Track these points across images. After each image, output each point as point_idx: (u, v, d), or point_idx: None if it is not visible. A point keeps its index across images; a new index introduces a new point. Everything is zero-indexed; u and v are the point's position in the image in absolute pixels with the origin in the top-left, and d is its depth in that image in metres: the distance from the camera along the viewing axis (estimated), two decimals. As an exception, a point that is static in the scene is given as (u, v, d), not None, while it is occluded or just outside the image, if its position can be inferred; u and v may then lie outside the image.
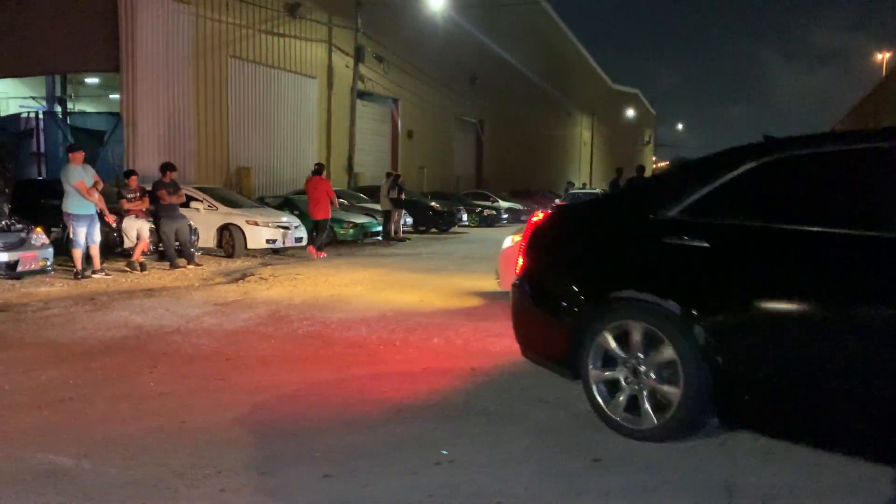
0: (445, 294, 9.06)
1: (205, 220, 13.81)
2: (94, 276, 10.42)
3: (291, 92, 22.69)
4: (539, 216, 4.51)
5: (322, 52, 23.93)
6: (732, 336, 3.36)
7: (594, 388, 3.82)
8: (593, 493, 3.11)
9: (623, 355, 3.72)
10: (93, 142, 18.73)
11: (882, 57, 44.15)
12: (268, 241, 14.07)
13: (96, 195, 10.40)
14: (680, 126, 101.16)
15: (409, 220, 20.31)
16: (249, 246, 13.91)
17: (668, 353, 3.51)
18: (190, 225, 12.69)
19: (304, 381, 4.91)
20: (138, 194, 11.77)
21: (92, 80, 24.02)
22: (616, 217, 4.14)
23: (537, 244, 4.40)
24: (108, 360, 5.47)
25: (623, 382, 3.72)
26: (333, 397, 4.53)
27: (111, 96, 21.48)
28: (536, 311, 4.35)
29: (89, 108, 24.22)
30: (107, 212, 10.87)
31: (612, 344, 3.75)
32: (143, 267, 11.40)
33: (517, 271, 4.46)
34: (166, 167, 12.33)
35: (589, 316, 3.88)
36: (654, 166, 77.06)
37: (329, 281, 10.28)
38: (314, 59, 23.63)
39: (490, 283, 8.87)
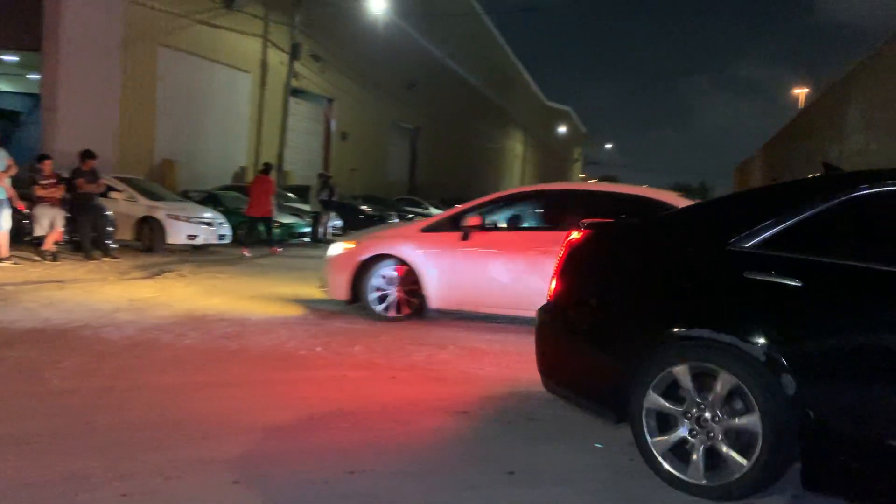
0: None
1: (124, 212, 13.35)
2: (1, 264, 9.93)
3: (223, 85, 22.21)
4: (577, 234, 3.99)
5: (257, 47, 23.53)
6: (831, 389, 2.99)
7: (647, 434, 3.39)
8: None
9: (686, 401, 3.32)
10: (8, 123, 17.88)
11: (800, 92, 46.38)
12: (189, 237, 13.70)
13: (6, 180, 9.93)
14: (609, 145, 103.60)
15: (339, 223, 20.13)
16: (170, 241, 13.51)
17: (745, 401, 3.14)
18: (108, 216, 12.24)
19: (217, 383, 4.80)
20: (53, 181, 11.27)
21: (10, 58, 22.89)
22: (683, 243, 3.62)
23: (578, 266, 3.92)
24: (11, 354, 5.22)
25: (685, 433, 3.31)
26: (247, 400, 4.44)
27: (30, 76, 20.51)
28: (574, 342, 3.89)
29: (6, 88, 23.07)
30: (16, 199, 10.37)
31: (677, 386, 3.34)
32: (54, 257, 10.94)
33: (549, 295, 3.98)
34: (86, 155, 11.87)
35: (648, 355, 3.43)
36: (583, 183, 78.84)
37: (251, 281, 10.09)
38: (248, 54, 23.21)
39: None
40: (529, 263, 6.86)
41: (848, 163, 25.08)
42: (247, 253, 14.02)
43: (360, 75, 29.07)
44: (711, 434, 3.24)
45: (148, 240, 13.50)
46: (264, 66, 23.84)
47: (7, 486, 3.03)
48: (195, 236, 13.79)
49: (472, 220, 7.15)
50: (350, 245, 7.71)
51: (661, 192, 7.68)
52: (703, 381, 3.28)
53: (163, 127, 19.77)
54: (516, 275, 6.95)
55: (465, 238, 7.13)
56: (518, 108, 56.22)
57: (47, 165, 11.32)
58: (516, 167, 58.61)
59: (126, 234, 13.35)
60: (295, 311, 7.74)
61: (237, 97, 22.95)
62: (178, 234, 13.60)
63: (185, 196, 16.65)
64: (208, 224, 14.09)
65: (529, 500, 3.21)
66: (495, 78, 48.78)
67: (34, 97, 18.09)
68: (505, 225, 7.66)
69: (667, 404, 3.36)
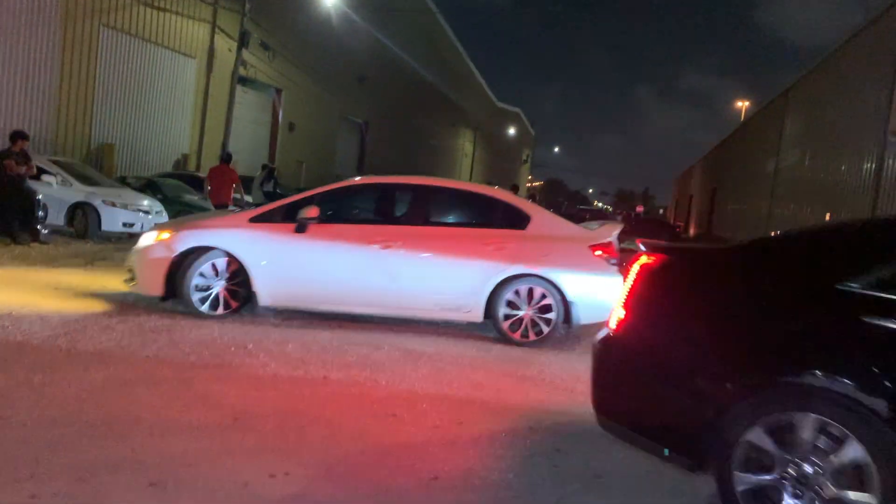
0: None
1: (57, 196, 12.87)
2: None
3: (167, 70, 21.63)
4: (649, 258, 3.62)
5: (204, 33, 22.99)
6: None
7: (737, 489, 3.06)
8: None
9: (786, 455, 2.96)
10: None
11: (742, 105, 47.71)
12: (125, 225, 13.31)
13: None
14: (557, 149, 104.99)
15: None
16: (104, 228, 13.10)
17: (857, 458, 2.80)
18: (39, 199, 11.80)
19: (142, 378, 4.67)
20: (-20, 161, 10.80)
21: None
22: (783, 278, 3.26)
23: (654, 295, 3.56)
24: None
25: (782, 490, 2.96)
26: (174, 397, 4.33)
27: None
28: (646, 379, 3.46)
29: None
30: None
31: (772, 439, 3.00)
32: (-21, 240, 10.49)
33: (614, 326, 3.62)
34: (17, 135, 11.41)
35: (743, 400, 3.07)
36: (529, 185, 79.58)
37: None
38: (195, 39, 22.66)
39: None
40: (371, 258, 6.72)
41: (780, 175, 25.97)
42: None
43: (310, 67, 28.70)
44: (810, 491, 2.90)
45: (81, 226, 13.07)
46: (211, 52, 23.31)
47: None
48: (132, 224, 13.40)
49: (309, 212, 6.72)
50: (165, 235, 6.91)
51: (500, 191, 7.90)
52: (809, 433, 2.93)
53: (102, 110, 19.16)
54: (356, 270, 6.76)
55: (300, 230, 6.75)
56: (469, 107, 56.36)
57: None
58: (465, 166, 58.76)
59: (58, 220, 12.89)
60: (103, 306, 7.59)
61: (181, 83, 22.39)
62: (113, 220, 13.19)
63: (123, 182, 16.16)
64: (146, 212, 13.71)
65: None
66: (447, 76, 48.78)
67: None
68: (344, 217, 7.21)
69: (768, 453, 3.01)
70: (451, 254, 6.82)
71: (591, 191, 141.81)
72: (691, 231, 48.41)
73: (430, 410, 4.59)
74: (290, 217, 6.84)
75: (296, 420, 4.14)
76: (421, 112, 44.38)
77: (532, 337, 6.80)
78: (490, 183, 19.76)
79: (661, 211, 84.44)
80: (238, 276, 6.79)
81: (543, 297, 6.78)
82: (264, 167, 18.69)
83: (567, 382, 5.69)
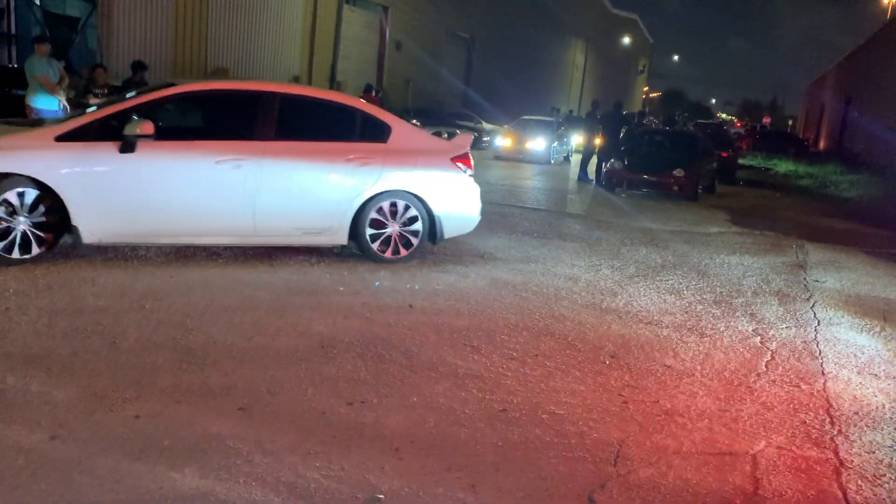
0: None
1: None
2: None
3: (276, -8, 21.97)
4: None
5: (311, -48, 23.05)
6: None
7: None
8: None
9: None
10: (66, 29, 18.14)
11: (889, 1, 43.18)
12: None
13: (60, 92, 10.20)
14: (676, 57, 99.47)
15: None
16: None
17: None
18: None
19: (240, 305, 5.00)
20: (105, 90, 11.52)
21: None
22: None
23: None
24: (48, 271, 5.51)
25: None
26: (267, 324, 4.64)
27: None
28: None
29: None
30: (67, 108, 10.66)
31: None
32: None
33: None
34: (137, 66, 12.03)
35: None
36: (645, 96, 76.15)
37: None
38: (302, -41, 22.77)
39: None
40: (219, 180, 5.89)
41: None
42: None
43: (416, -18, 28.29)
44: None
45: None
46: (318, -29, 23.40)
47: (31, 403, 3.30)
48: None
49: (142, 128, 5.52)
50: None
51: (358, 100, 7.14)
52: None
53: (215, 34, 19.79)
54: (202, 195, 5.91)
55: (126, 150, 5.58)
56: (580, 17, 54.03)
57: (99, 75, 11.54)
58: (576, 79, 56.86)
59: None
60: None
61: (290, 4, 22.68)
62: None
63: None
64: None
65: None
66: (558, -16, 46.77)
67: (91, 2, 18.23)
68: (181, 133, 6.14)
69: None
70: (310, 172, 6.23)
71: (713, 101, 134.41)
72: (820, 145, 45.27)
73: (509, 341, 4.71)
74: (110, 134, 5.63)
75: (377, 349, 4.36)
76: (529, 24, 42.98)
77: (403, 252, 6.54)
78: (597, 99, 18.96)
79: (789, 122, 79.06)
80: (50, 210, 5.54)
81: (408, 209, 6.51)
82: (368, 88, 18.84)
83: (653, 315, 5.65)
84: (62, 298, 4.83)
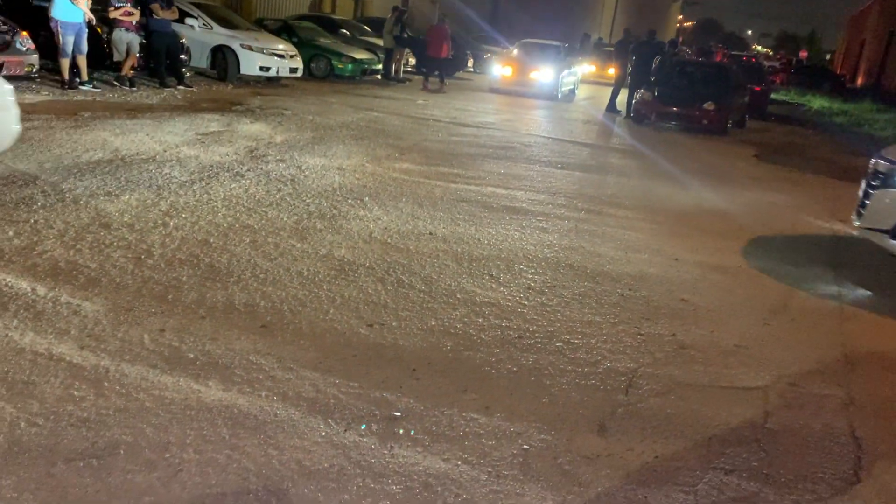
0: (426, 154, 9.10)
1: (198, 40, 13.45)
2: (81, 87, 10.34)
3: None
4: None
5: None
6: None
7: None
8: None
9: None
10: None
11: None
12: (261, 69, 13.78)
13: (84, 3, 10.09)
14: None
15: (413, 61, 19.73)
16: (242, 71, 13.65)
17: None
18: (182, 43, 12.40)
19: (263, 227, 5.06)
20: (128, 5, 11.38)
21: None
22: None
23: None
24: (78, 184, 5.58)
25: None
26: (290, 246, 4.70)
27: None
28: None
29: None
30: (94, 20, 10.56)
31: None
32: (131, 83, 11.27)
33: None
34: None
35: None
36: (678, 26, 73.73)
37: (315, 121, 10.22)
38: None
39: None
40: None
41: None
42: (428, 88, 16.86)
43: None
44: None
45: (221, 69, 13.67)
46: None
47: (59, 315, 3.41)
48: (268, 68, 13.86)
49: None
50: None
51: None
52: None
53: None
54: None
55: None
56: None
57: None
58: (609, 5, 55.10)
59: (201, 63, 13.54)
60: (349, 157, 7.89)
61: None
62: (250, 64, 13.68)
63: (261, 25, 16.57)
64: (280, 56, 14.10)
65: (530, 367, 3.40)
66: None
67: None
68: None
69: None
70: None
71: (749, 33, 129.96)
72: (858, 81, 43.84)
73: (526, 271, 4.74)
74: None
75: (397, 274, 4.41)
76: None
77: None
78: (629, 27, 18.22)
79: (827, 57, 76.43)
80: None
81: None
82: (394, 10, 18.46)
83: (674, 252, 5.64)
84: (88, 213, 4.91)
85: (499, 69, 18.83)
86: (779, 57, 65.63)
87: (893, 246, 5.18)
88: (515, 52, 20.10)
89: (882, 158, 5.40)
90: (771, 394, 3.42)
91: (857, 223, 5.55)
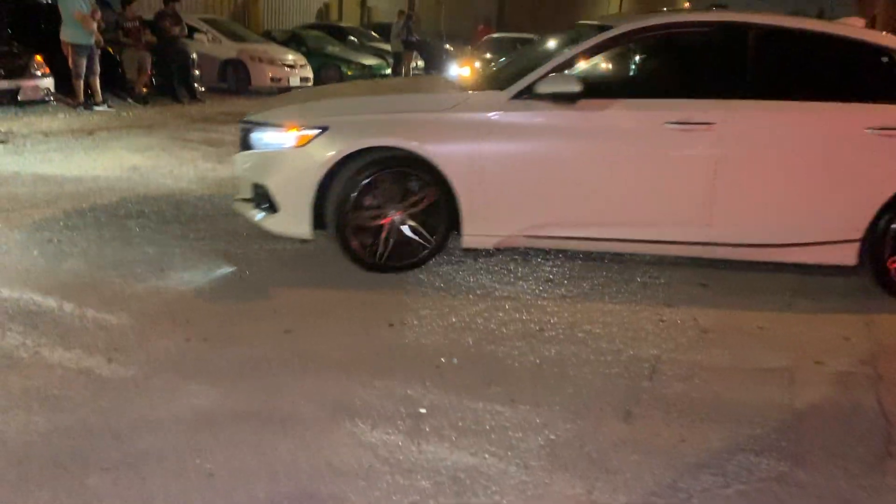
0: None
1: (208, 54, 13.59)
2: (95, 108, 10.48)
3: (303, -85, 21.45)
4: None
5: None
6: None
7: None
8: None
9: None
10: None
11: None
12: (272, 80, 13.90)
13: (94, 25, 10.23)
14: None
15: (421, 64, 19.78)
16: (253, 83, 13.77)
17: None
18: (193, 58, 12.53)
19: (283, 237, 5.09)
20: (137, 24, 11.53)
21: None
22: None
23: None
24: (99, 202, 5.67)
25: None
26: (314, 260, 4.74)
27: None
28: None
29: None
30: (101, 41, 10.67)
31: None
32: (145, 101, 11.42)
33: None
34: (168, -2, 12.02)
35: None
36: (686, 5, 72.96)
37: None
38: None
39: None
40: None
41: None
42: None
43: None
44: None
45: (232, 82, 13.80)
46: None
47: (78, 329, 3.46)
48: (279, 79, 13.98)
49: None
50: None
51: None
52: None
53: (244, -37, 19.52)
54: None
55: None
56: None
57: (130, 10, 11.56)
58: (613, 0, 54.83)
59: (212, 77, 13.68)
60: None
61: (318, -73, 22.18)
62: (261, 76, 13.82)
63: (269, 36, 16.71)
64: (290, 66, 14.21)
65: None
66: None
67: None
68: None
69: None
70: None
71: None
72: (872, 58, 43.20)
73: (544, 264, 4.75)
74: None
75: (415, 277, 4.43)
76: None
77: None
78: (635, 14, 18.08)
79: (839, 35, 75.33)
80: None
81: None
82: (401, 14, 18.52)
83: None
84: (110, 229, 4.98)
85: (456, 69, 16.20)
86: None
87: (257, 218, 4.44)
88: (479, 49, 18.47)
89: (243, 122, 4.65)
90: (797, 373, 3.40)
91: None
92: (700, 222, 4.31)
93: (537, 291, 4.26)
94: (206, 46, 13.65)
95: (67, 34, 10.14)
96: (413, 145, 4.19)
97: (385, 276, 4.32)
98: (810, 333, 3.87)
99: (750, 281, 4.64)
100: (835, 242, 4.34)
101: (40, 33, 11.63)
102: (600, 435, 2.79)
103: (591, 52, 4.41)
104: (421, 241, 4.34)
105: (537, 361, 3.37)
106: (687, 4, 75.56)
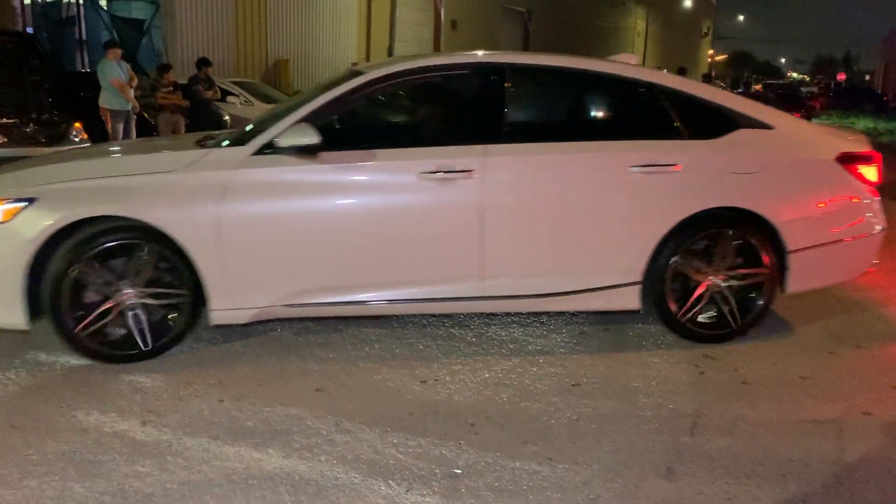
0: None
1: (241, 116, 13.89)
2: (132, 171, 10.73)
3: (331, -20, 22.17)
4: None
5: (362, -63, 23.12)
6: None
7: None
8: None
9: None
10: (133, 31, 18.73)
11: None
12: (302, 138, 14.13)
13: (130, 91, 10.57)
14: (741, 17, 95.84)
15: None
16: (285, 142, 14.02)
17: None
18: (226, 121, 12.84)
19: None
20: (171, 89, 11.88)
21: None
22: None
23: None
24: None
25: None
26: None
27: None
28: None
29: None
30: (137, 107, 10.96)
31: None
32: (179, 163, 11.67)
33: None
34: (202, 62, 12.37)
35: None
36: (710, 60, 73.75)
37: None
38: (354, -55, 22.88)
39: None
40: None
41: None
42: None
43: (469, -42, 28.05)
44: None
45: (264, 142, 14.08)
46: (371, -44, 23.48)
47: (120, 393, 3.47)
48: (307, 138, 14.19)
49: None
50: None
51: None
52: None
53: (274, 26, 20.11)
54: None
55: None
56: (640, -19, 52.63)
57: (167, 76, 11.92)
58: (639, 46, 55.50)
59: (244, 138, 13.98)
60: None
61: (345, -9, 22.88)
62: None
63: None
64: (320, 125, 14.46)
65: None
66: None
67: (155, 4, 18.78)
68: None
69: None
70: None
71: (783, 61, 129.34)
72: (901, 98, 43.00)
73: (577, 315, 4.69)
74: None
75: (441, 330, 4.40)
76: (587, -7, 42.12)
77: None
78: (660, 66, 18.40)
79: (866, 77, 75.36)
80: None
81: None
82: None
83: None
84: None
85: None
86: (816, 81, 64.95)
87: None
88: None
89: None
90: (845, 425, 3.28)
91: None
92: (472, 276, 3.95)
93: (572, 344, 4.20)
94: (239, 109, 13.98)
95: (106, 100, 10.48)
96: (137, 213, 3.66)
97: (407, 331, 4.30)
98: (857, 382, 3.75)
99: (790, 327, 4.53)
100: (616, 287, 4.07)
101: (78, 100, 12.07)
102: (642, 494, 2.71)
103: (339, 101, 3.97)
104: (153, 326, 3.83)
105: (574, 418, 3.30)
106: (711, 52, 76.33)
